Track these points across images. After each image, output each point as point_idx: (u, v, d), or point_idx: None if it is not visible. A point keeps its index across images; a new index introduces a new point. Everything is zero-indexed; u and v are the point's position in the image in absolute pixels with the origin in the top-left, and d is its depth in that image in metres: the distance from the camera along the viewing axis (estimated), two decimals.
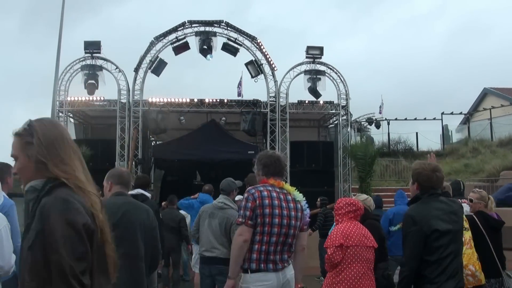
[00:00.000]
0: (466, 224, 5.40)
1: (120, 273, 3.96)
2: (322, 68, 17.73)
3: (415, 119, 29.21)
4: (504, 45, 73.76)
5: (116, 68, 17.20)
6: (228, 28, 17.36)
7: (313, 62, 17.59)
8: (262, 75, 17.44)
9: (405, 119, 29.20)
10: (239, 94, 18.90)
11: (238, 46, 17.43)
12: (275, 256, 4.24)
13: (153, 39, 17.13)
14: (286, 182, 4.62)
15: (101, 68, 17.15)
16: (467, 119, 31.59)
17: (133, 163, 16.59)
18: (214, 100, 17.21)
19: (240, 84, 19.33)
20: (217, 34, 17.33)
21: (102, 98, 17.21)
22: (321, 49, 17.60)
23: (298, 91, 18.00)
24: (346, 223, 5.23)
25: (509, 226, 6.66)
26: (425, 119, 29.35)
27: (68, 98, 17.25)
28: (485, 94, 32.98)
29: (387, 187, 20.82)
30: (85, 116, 19.24)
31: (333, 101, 17.82)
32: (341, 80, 17.83)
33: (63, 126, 2.59)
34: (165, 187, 18.54)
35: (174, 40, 17.33)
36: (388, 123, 28.28)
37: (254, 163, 4.65)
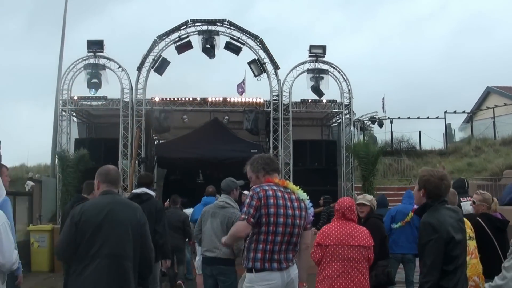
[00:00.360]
0: (471, 233, 5.37)
1: (105, 273, 3.98)
2: (325, 67, 17.71)
3: (418, 118, 29.16)
4: (507, 44, 73.49)
5: (119, 67, 17.21)
6: (231, 27, 17.36)
7: (316, 61, 17.58)
8: (265, 74, 17.43)
9: (408, 118, 29.16)
10: (241, 94, 18.90)
11: (241, 45, 17.43)
12: (280, 255, 4.25)
13: (156, 38, 17.13)
14: (289, 181, 4.61)
15: (104, 67, 17.17)
16: (470, 117, 31.54)
17: (136, 162, 16.61)
18: (217, 99, 17.21)
19: (242, 83, 19.33)
20: (220, 33, 17.33)
21: (105, 97, 17.21)
22: (324, 48, 17.59)
23: (301, 90, 18.01)
24: (332, 223, 5.32)
25: None
26: (428, 118, 29.30)
27: (72, 97, 17.26)
28: (488, 92, 32.94)
29: (390, 185, 20.82)
30: (88, 115, 19.26)
31: (336, 100, 17.82)
32: (344, 79, 17.82)
33: None
34: (168, 186, 18.56)
35: (177, 39, 17.33)
36: (391, 122, 28.24)
37: (247, 171, 4.65)
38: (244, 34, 17.41)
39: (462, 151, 26.00)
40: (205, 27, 17.23)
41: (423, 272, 3.92)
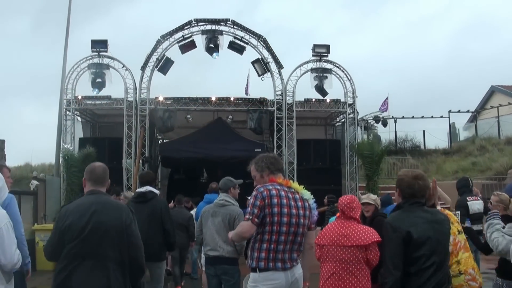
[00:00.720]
0: (459, 227, 5.35)
1: (90, 274, 3.97)
2: (328, 66, 17.74)
3: (422, 117, 29.06)
4: (511, 43, 73.37)
5: (123, 66, 17.24)
6: (235, 27, 17.36)
7: (320, 60, 17.60)
8: (269, 73, 17.43)
9: (412, 117, 29.07)
10: (246, 92, 18.91)
11: (245, 45, 17.44)
12: (284, 255, 4.24)
13: (159, 38, 17.15)
14: (293, 180, 4.61)
15: (108, 66, 17.22)
16: (474, 117, 31.42)
17: (140, 161, 16.63)
18: (221, 99, 17.21)
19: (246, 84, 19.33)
20: (224, 32, 17.34)
21: (109, 97, 17.24)
22: (327, 47, 17.59)
23: (305, 89, 18.02)
24: (333, 222, 5.31)
25: None
26: (432, 117, 29.19)
27: (76, 96, 17.31)
28: (492, 92, 32.84)
29: (394, 185, 20.74)
30: (92, 115, 19.30)
31: (339, 99, 17.82)
32: (347, 78, 17.83)
33: None
34: (172, 185, 18.60)
35: (180, 39, 17.34)
36: (395, 121, 28.16)
37: (251, 170, 4.65)
38: (247, 34, 17.41)
39: (466, 150, 25.91)
40: (208, 27, 17.25)
41: (384, 272, 3.93)
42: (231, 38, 17.41)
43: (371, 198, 7.11)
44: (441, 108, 42.35)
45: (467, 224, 8.48)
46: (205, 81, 53.47)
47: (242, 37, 17.41)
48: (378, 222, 6.23)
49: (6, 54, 68.64)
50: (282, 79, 17.47)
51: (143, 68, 17.13)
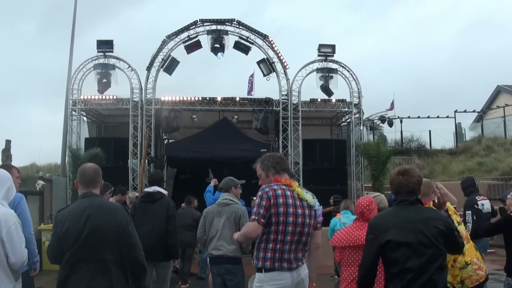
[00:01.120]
0: (458, 218, 5.34)
1: (92, 278, 3.97)
2: (334, 66, 17.70)
3: (428, 117, 29.02)
4: None
5: (129, 67, 17.27)
6: (240, 27, 17.35)
7: (325, 60, 17.57)
8: (274, 73, 17.42)
9: (418, 117, 29.05)
10: (249, 93, 18.89)
11: (250, 45, 17.41)
12: (290, 255, 4.23)
13: (165, 38, 17.15)
14: (298, 181, 4.60)
15: (113, 67, 17.24)
16: (480, 117, 31.34)
17: (146, 161, 16.66)
18: (226, 99, 17.22)
19: (249, 83, 19.31)
20: (229, 32, 17.32)
21: (115, 97, 17.27)
22: (333, 47, 17.57)
23: (311, 89, 17.99)
24: (351, 224, 5.26)
25: None
26: (438, 117, 29.16)
27: (81, 97, 17.36)
28: (498, 91, 32.75)
29: None
30: (98, 115, 19.34)
31: (345, 99, 17.78)
32: (353, 78, 17.80)
33: None
34: (177, 185, 18.61)
35: (186, 39, 17.34)
36: (401, 121, 28.14)
37: (256, 168, 4.63)
38: (253, 34, 17.40)
39: (472, 150, 25.85)
40: (214, 27, 17.24)
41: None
42: (237, 38, 17.40)
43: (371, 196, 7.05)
44: (447, 108, 42.16)
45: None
46: (210, 82, 53.63)
47: (247, 37, 17.40)
48: None
49: (14, 56, 69.05)
50: (287, 79, 17.45)
51: (148, 68, 17.15)
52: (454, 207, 5.70)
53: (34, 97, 68.14)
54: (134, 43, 62.61)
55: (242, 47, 17.39)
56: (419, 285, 3.61)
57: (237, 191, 6.92)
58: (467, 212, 8.77)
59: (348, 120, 18.84)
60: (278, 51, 17.30)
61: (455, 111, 29.51)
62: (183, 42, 17.35)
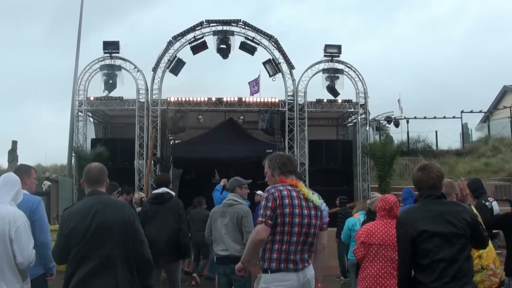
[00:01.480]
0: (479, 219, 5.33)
1: (99, 275, 4.00)
2: (340, 66, 17.66)
3: (435, 117, 28.93)
4: None
5: (135, 67, 17.30)
6: (246, 27, 17.34)
7: (331, 61, 17.53)
8: (280, 74, 17.40)
9: (424, 117, 28.95)
10: (252, 94, 18.87)
11: (256, 45, 17.40)
12: (295, 256, 4.21)
13: (171, 39, 17.17)
14: (304, 182, 4.58)
15: (119, 68, 17.29)
16: (487, 117, 31.23)
17: (152, 162, 16.68)
18: (232, 99, 17.22)
19: (254, 83, 19.29)
20: (235, 33, 17.31)
21: (121, 98, 17.30)
22: (339, 47, 17.53)
23: (317, 90, 17.96)
24: (377, 221, 5.23)
25: None
26: (444, 117, 29.07)
27: (88, 98, 17.41)
28: (505, 91, 32.57)
29: (407, 186, 20.60)
30: (104, 116, 19.39)
31: (351, 100, 17.73)
32: (359, 78, 17.76)
33: None
34: (183, 185, 18.61)
35: (192, 40, 17.35)
36: (407, 122, 28.04)
37: (265, 166, 4.62)
38: (259, 34, 17.39)
39: (479, 151, 25.76)
40: (220, 28, 17.24)
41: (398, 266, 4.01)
42: (243, 39, 17.40)
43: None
44: (453, 108, 41.98)
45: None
46: (217, 83, 53.63)
47: (253, 37, 17.39)
48: None
49: (22, 59, 69.40)
50: (293, 80, 17.43)
51: (154, 69, 17.17)
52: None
53: (41, 99, 68.44)
54: (141, 45, 62.78)
55: (248, 48, 17.39)
56: (450, 274, 3.71)
57: (242, 191, 6.92)
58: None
59: (354, 121, 18.80)
60: (284, 52, 17.28)
61: (462, 112, 29.40)
62: (189, 43, 17.37)
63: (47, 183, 14.95)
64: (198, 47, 17.40)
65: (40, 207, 5.28)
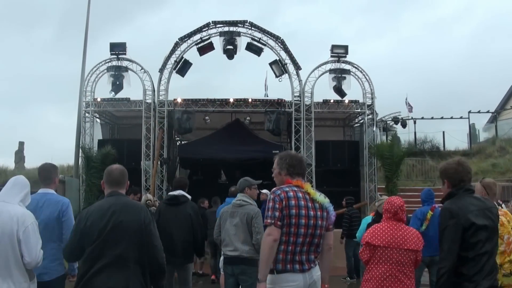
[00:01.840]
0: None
1: (111, 275, 4.02)
2: (347, 67, 17.63)
3: (442, 118, 28.84)
4: None
5: (141, 69, 17.34)
6: (252, 28, 17.35)
7: (338, 61, 17.50)
8: (287, 74, 17.40)
9: (432, 118, 28.86)
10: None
11: (262, 46, 17.41)
12: (301, 256, 4.19)
13: (177, 40, 17.20)
14: (311, 183, 4.56)
15: (126, 69, 17.33)
16: (494, 117, 31.06)
17: (159, 162, 16.71)
18: (239, 100, 17.22)
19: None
20: (241, 34, 17.32)
21: (128, 99, 17.34)
22: (346, 47, 17.50)
23: (323, 90, 17.94)
24: (382, 223, 5.20)
25: None
26: (451, 118, 28.96)
27: (95, 99, 17.47)
28: None
29: (414, 187, 20.59)
30: (111, 116, 19.45)
31: (358, 100, 17.70)
32: (366, 79, 17.73)
33: None
34: (190, 186, 18.58)
35: (199, 41, 17.38)
36: (415, 122, 27.96)
37: (274, 161, 4.59)
38: (265, 35, 17.39)
39: (486, 151, 25.66)
40: (226, 29, 17.27)
41: (441, 257, 3.95)
42: (249, 40, 17.42)
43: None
44: (460, 109, 42.01)
45: None
46: (224, 84, 53.71)
47: (259, 38, 17.39)
48: None
49: (31, 62, 69.89)
50: (300, 80, 17.42)
51: (161, 70, 17.21)
52: None
53: (49, 100, 68.98)
54: (148, 47, 62.96)
55: (254, 49, 17.39)
56: (489, 267, 3.86)
57: (252, 191, 6.90)
58: None
59: (361, 121, 18.75)
60: (290, 52, 17.27)
61: (469, 112, 29.30)
62: (196, 44, 17.39)
63: None
64: (205, 48, 17.42)
65: (69, 209, 5.39)
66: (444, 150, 27.74)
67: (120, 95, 17.34)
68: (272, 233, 4.11)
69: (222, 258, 6.94)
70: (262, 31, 17.33)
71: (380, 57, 74.42)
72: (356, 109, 18.04)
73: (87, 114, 17.72)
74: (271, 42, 17.40)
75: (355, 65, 17.69)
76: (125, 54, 17.31)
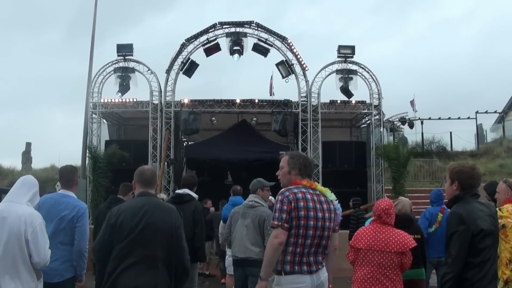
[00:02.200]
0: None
1: (139, 274, 4.04)
2: (354, 67, 17.60)
3: (449, 118, 28.73)
4: None
5: (148, 70, 17.38)
6: (259, 29, 17.35)
7: (345, 62, 17.46)
8: (293, 75, 17.38)
9: (439, 118, 28.74)
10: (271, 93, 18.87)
11: (269, 47, 17.42)
12: (309, 258, 4.17)
13: (184, 41, 17.23)
14: (318, 182, 4.54)
15: (133, 70, 17.38)
16: (502, 118, 30.91)
17: (165, 163, 16.73)
18: (245, 101, 17.22)
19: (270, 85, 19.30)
20: (248, 34, 17.34)
21: (134, 100, 17.37)
22: (352, 48, 17.46)
23: (330, 91, 17.90)
24: (368, 225, 5.24)
25: None
26: (459, 118, 28.84)
27: (102, 100, 17.52)
28: None
29: (421, 188, 20.52)
30: (118, 118, 19.49)
31: (365, 101, 17.65)
32: (373, 79, 17.67)
33: None
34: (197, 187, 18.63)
35: (205, 42, 17.41)
36: (422, 123, 27.84)
37: (282, 159, 4.54)
38: (271, 36, 17.39)
39: (494, 152, 25.55)
40: (233, 29, 17.30)
41: (447, 262, 3.91)
42: (255, 40, 17.43)
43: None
44: (468, 109, 41.79)
45: None
46: (230, 85, 53.76)
47: (266, 39, 17.40)
48: None
49: (40, 64, 70.29)
50: (306, 81, 17.40)
51: (168, 71, 17.24)
52: None
53: (57, 101, 69.31)
54: (155, 49, 63.18)
55: (260, 49, 17.40)
56: (491, 273, 3.87)
57: (264, 193, 6.86)
58: None
59: (368, 122, 18.71)
60: (297, 53, 17.27)
61: (476, 112, 29.15)
62: (202, 45, 17.43)
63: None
64: (211, 49, 17.45)
65: (85, 216, 5.39)
66: (451, 151, 27.63)
67: (127, 96, 17.40)
68: (279, 235, 4.08)
69: (229, 258, 6.91)
70: (269, 31, 17.33)
71: (387, 58, 74.40)
72: (363, 110, 17.99)
73: (94, 115, 17.76)
74: (277, 43, 17.41)
75: (362, 66, 17.65)
76: (132, 55, 17.36)
